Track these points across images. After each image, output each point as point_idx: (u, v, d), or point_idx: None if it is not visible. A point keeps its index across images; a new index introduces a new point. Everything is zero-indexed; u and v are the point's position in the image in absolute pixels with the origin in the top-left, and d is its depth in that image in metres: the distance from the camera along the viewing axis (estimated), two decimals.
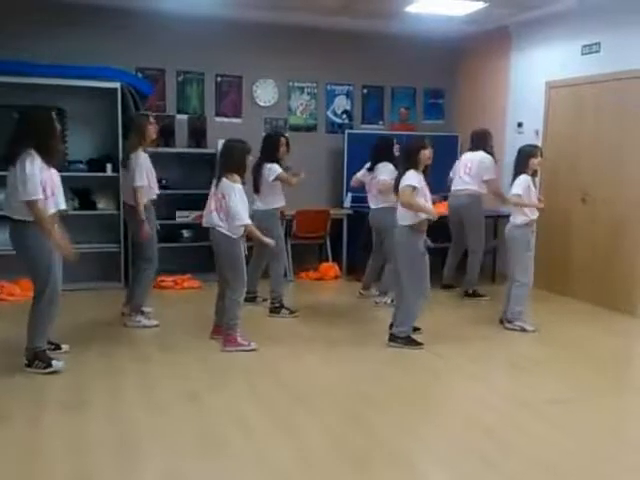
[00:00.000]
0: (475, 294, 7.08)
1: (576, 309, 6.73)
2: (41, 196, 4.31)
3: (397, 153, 6.37)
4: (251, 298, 6.34)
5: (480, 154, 6.91)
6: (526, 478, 3.34)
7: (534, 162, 5.75)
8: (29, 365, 4.56)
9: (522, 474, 3.36)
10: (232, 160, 5.09)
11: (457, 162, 7.17)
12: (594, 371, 4.92)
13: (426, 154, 5.17)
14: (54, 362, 4.59)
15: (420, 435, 3.83)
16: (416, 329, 5.48)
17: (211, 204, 5.12)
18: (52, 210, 4.43)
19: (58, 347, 4.95)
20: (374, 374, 4.79)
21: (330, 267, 7.96)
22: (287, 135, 6.51)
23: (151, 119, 5.81)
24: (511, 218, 5.85)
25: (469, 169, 6.94)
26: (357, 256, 7.70)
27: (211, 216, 5.11)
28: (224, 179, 5.03)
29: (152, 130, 5.74)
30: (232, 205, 4.97)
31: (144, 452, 3.48)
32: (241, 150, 5.12)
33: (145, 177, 5.59)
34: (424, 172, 5.22)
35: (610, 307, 6.55)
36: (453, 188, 7.05)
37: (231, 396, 4.29)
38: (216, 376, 4.67)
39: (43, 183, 4.33)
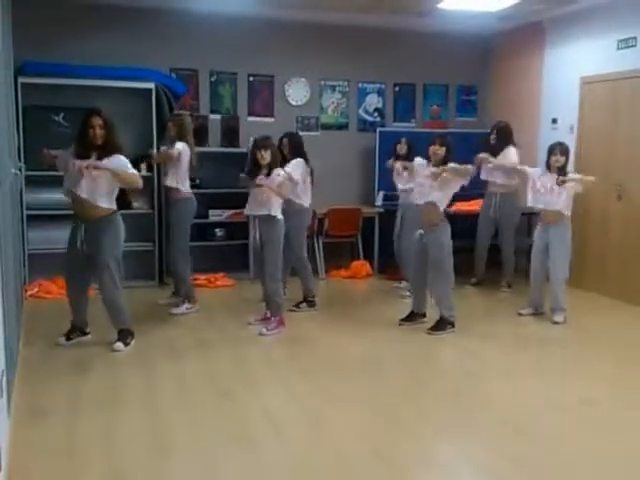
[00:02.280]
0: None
1: (611, 307, 6.63)
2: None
3: (400, 152, 6.90)
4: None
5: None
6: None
7: (552, 159, 5.86)
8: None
9: (557, 478, 3.33)
10: None
11: None
12: (629, 371, 4.85)
13: (431, 149, 5.50)
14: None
15: (451, 433, 3.82)
16: (433, 327, 5.64)
17: None
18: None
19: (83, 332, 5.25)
20: (406, 369, 4.80)
21: (362, 265, 7.95)
22: (290, 135, 6.43)
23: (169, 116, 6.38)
24: None
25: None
26: (389, 255, 7.69)
27: None
28: None
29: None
30: None
31: (177, 447, 3.52)
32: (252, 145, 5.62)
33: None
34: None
35: None
36: None
37: (264, 392, 4.33)
38: (249, 372, 4.71)
39: (65, 168, 4.94)
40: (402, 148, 6.90)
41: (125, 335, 5.11)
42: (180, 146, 6.02)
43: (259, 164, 5.40)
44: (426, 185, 5.48)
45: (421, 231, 5.55)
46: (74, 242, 4.95)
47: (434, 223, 5.47)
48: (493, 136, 7.09)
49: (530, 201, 6.00)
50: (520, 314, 6.15)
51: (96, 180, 4.85)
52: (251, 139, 5.80)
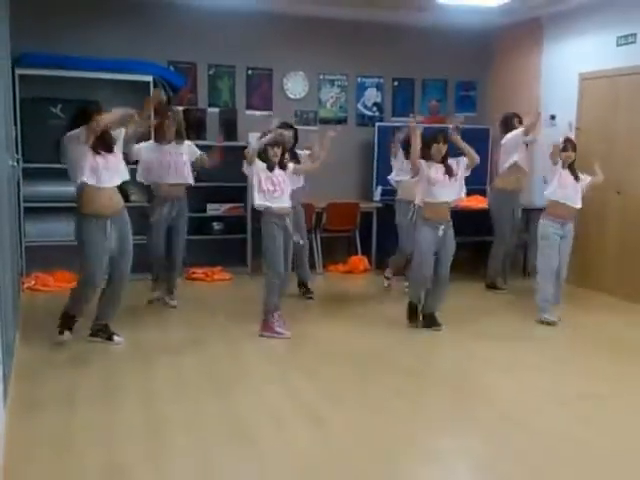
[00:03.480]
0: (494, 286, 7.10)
1: (609, 304, 6.62)
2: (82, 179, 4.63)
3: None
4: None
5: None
6: (559, 476, 3.31)
7: (564, 156, 5.75)
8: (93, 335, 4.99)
9: (556, 472, 3.33)
10: None
11: None
12: (627, 368, 4.85)
13: (435, 147, 5.38)
14: (62, 336, 4.92)
15: (450, 430, 3.82)
16: (438, 324, 5.56)
17: None
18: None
19: (110, 338, 5.05)
20: (404, 366, 4.78)
21: (359, 260, 7.95)
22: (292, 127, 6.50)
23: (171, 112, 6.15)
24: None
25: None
26: (386, 249, 7.68)
27: None
28: None
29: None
30: None
31: (174, 441, 3.51)
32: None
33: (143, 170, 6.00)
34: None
35: None
36: None
37: (260, 387, 4.32)
38: (246, 365, 4.72)
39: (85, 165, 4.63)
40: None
41: (109, 328, 5.07)
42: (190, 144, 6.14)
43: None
44: (445, 182, 5.40)
45: (443, 226, 5.41)
46: (102, 240, 4.74)
47: (449, 219, 5.48)
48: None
49: (553, 194, 5.79)
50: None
51: (120, 167, 4.84)
52: (251, 134, 5.76)
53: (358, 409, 4.00)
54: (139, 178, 6.05)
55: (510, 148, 6.86)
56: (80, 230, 4.77)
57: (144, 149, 5.95)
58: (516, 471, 3.30)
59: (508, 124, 7.01)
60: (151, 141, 6.06)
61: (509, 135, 6.91)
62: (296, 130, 6.47)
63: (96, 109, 4.68)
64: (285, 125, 6.28)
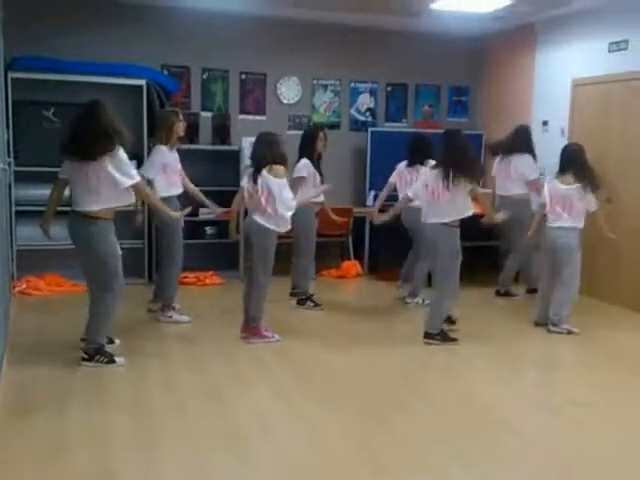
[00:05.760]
0: (507, 294, 7.06)
1: (602, 311, 6.63)
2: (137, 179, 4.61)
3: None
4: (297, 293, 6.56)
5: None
6: None
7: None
8: (90, 359, 4.63)
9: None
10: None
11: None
12: (625, 375, 4.86)
13: None
14: (116, 358, 4.69)
15: (445, 438, 3.81)
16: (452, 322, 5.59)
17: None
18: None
19: (111, 341, 4.97)
20: (398, 374, 4.77)
21: (352, 265, 7.95)
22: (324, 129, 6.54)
23: (180, 116, 5.82)
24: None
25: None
26: (379, 255, 7.69)
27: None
28: (264, 171, 5.16)
29: (180, 127, 5.76)
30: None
31: (166, 448, 3.50)
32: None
33: (155, 171, 5.59)
34: None
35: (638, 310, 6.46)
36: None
37: (253, 394, 4.31)
38: (238, 372, 4.70)
39: None
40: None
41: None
42: None
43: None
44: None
45: None
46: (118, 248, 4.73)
47: None
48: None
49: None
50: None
51: None
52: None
53: (350, 415, 3.99)
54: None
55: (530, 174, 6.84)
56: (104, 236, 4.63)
57: None
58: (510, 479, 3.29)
59: (524, 141, 6.91)
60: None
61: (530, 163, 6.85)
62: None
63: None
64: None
